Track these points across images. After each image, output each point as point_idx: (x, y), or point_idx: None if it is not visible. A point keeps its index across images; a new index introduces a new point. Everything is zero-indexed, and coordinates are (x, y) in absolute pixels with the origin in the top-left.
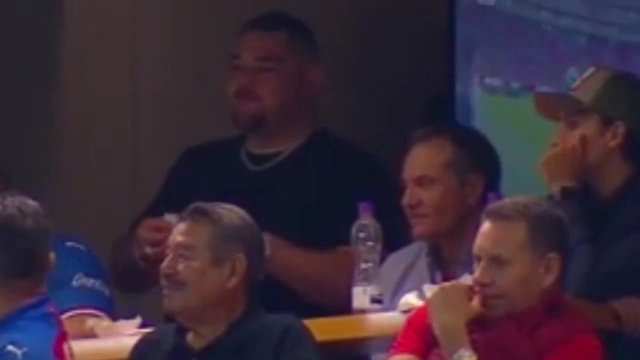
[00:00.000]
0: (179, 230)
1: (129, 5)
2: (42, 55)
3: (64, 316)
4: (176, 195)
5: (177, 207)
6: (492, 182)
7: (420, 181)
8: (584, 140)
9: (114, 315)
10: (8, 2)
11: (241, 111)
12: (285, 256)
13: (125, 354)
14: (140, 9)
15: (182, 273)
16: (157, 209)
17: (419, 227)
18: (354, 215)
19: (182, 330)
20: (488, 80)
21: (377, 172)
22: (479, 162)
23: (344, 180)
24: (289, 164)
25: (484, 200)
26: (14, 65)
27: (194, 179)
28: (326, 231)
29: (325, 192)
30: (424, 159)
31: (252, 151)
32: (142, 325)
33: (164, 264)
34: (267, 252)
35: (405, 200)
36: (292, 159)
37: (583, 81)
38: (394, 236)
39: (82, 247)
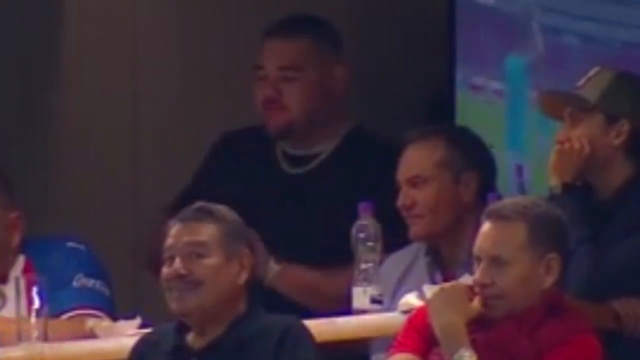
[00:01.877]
0: (184, 231)
1: (129, 5)
2: (42, 55)
3: (64, 316)
4: (208, 188)
5: (208, 200)
6: (487, 180)
7: (414, 181)
8: (592, 141)
9: (114, 315)
10: (8, 2)
11: (269, 122)
12: (295, 279)
13: (125, 354)
14: (140, 9)
15: (197, 272)
16: (188, 198)
17: (415, 228)
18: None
19: (181, 330)
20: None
21: None
22: (473, 160)
23: (381, 177)
24: (327, 167)
25: (482, 200)
26: (14, 65)
27: (228, 175)
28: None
29: (367, 193)
30: (417, 159)
31: (288, 151)
32: (142, 326)
33: (174, 266)
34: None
35: (400, 201)
36: (329, 161)
37: (588, 80)
38: None
39: (82, 247)
